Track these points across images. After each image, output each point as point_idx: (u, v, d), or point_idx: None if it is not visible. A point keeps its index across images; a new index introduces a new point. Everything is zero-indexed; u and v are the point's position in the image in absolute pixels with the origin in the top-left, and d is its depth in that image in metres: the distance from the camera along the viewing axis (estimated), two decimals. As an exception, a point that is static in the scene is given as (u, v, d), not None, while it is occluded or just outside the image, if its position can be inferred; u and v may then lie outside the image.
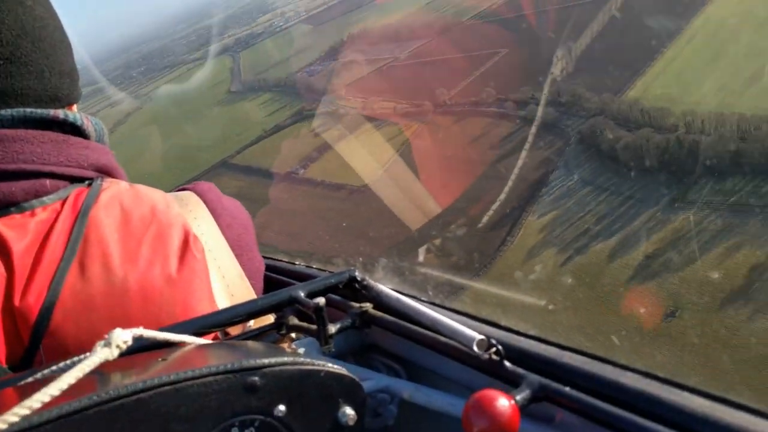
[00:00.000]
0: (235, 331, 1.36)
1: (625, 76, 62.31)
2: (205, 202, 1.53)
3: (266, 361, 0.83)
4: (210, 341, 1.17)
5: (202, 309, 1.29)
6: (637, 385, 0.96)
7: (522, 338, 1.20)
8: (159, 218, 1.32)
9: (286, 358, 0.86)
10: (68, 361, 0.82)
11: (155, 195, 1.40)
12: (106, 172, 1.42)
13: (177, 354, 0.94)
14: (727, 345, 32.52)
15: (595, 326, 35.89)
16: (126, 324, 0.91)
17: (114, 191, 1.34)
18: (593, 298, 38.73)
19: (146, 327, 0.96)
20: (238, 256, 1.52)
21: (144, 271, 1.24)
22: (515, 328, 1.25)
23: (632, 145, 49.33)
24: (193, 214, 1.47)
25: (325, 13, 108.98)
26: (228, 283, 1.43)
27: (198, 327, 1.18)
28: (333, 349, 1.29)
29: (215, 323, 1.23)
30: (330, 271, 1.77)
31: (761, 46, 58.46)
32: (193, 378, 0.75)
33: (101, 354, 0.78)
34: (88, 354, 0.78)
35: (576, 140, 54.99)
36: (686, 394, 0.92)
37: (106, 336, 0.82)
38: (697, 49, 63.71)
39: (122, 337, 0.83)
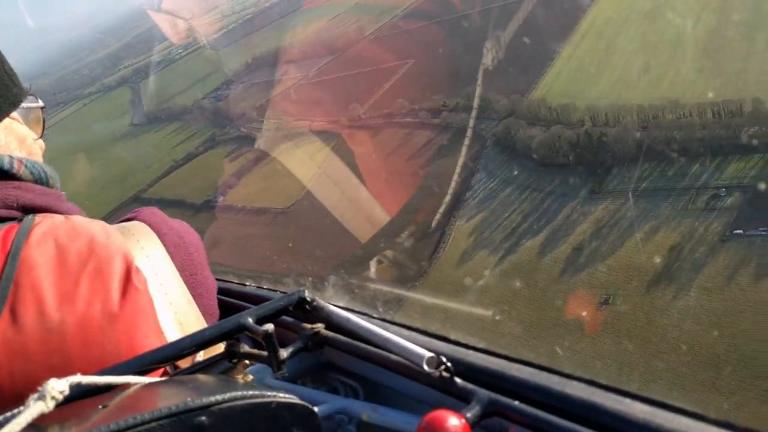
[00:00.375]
0: (185, 363, 1.30)
1: (528, 77, 64.81)
2: (150, 226, 1.47)
3: (213, 399, 0.78)
4: (157, 379, 1.11)
5: (149, 344, 1.22)
6: (582, 395, 1.01)
7: (470, 352, 1.24)
8: (98, 252, 1.24)
9: (235, 393, 0.82)
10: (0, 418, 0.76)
11: (94, 227, 1.31)
12: (43, 212, 1.35)
13: (119, 398, 0.89)
14: (658, 325, 33.96)
15: (536, 325, 36.50)
16: (67, 370, 0.88)
17: (47, 226, 1.26)
18: (529, 297, 39.44)
19: (90, 370, 0.93)
20: (190, 276, 1.47)
21: (83, 311, 1.16)
22: (464, 342, 1.28)
23: (546, 143, 51.11)
24: (138, 240, 1.41)
25: (226, 37, 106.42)
26: (176, 311, 1.37)
27: (143, 364, 1.11)
28: (287, 374, 1.27)
29: (162, 359, 1.17)
30: (281, 291, 1.83)
31: (646, 40, 62.79)
32: (135, 425, 0.70)
33: (35, 408, 0.73)
34: (21, 408, 0.73)
35: (492, 142, 56.40)
36: (629, 401, 0.96)
37: (39, 388, 0.78)
38: (589, 47, 67.39)
39: (57, 386, 0.78)
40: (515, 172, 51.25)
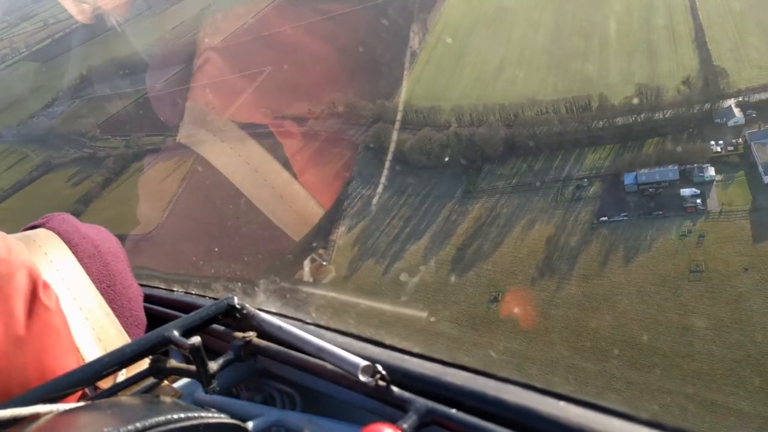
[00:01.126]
0: (106, 383, 1.21)
1: (390, 81, 65.04)
2: (59, 234, 1.39)
3: (133, 427, 0.74)
4: (72, 405, 1.00)
5: (64, 366, 1.13)
6: (517, 400, 1.03)
7: (406, 357, 1.23)
8: None
9: (158, 419, 0.78)
10: None
11: None
12: None
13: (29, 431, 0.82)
14: (547, 316, 35.05)
15: (431, 331, 36.02)
16: None
17: None
18: (421, 300, 38.94)
19: None
20: (109, 286, 1.40)
21: None
22: (399, 347, 1.27)
23: (417, 146, 51.29)
24: (45, 252, 1.32)
25: (54, 47, 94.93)
26: (93, 326, 1.29)
27: (55, 390, 1.05)
28: (217, 388, 1.23)
29: (77, 382, 1.10)
30: (211, 297, 1.74)
31: (496, 40, 66.05)
32: None
33: None
34: None
35: (363, 148, 55.55)
36: (563, 404, 0.99)
37: None
38: (444, 50, 69.51)
39: None
40: (390, 178, 50.75)
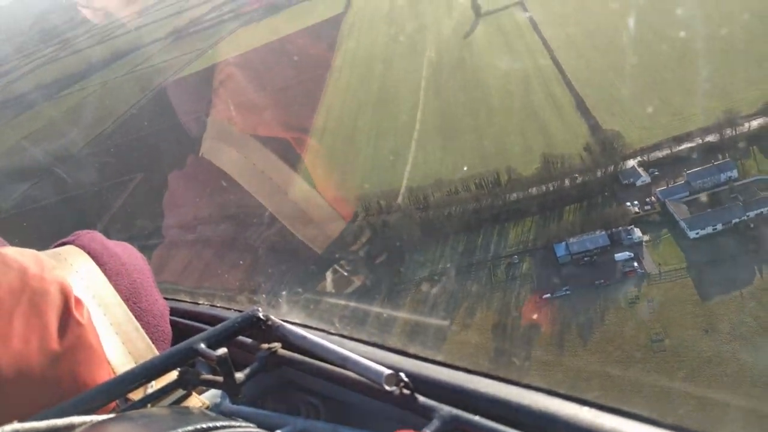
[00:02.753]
0: (137, 394, 1.25)
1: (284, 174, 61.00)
2: (89, 252, 1.43)
3: None
4: (105, 417, 1.03)
5: (96, 378, 1.17)
6: (540, 407, 1.04)
7: (430, 366, 1.25)
8: (31, 285, 1.17)
9: (188, 428, 0.80)
10: None
11: (26, 258, 1.24)
12: None
13: None
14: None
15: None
16: (6, 415, 0.84)
17: None
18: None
19: (31, 412, 0.90)
20: (136, 303, 1.43)
21: (19, 350, 1.08)
22: (423, 356, 1.29)
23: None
24: (76, 270, 1.36)
25: None
26: (124, 340, 1.33)
27: (89, 402, 1.09)
28: (244, 398, 1.26)
29: (109, 393, 1.14)
30: (236, 309, 1.78)
31: (385, 124, 65.06)
32: None
33: None
34: None
35: (267, 249, 50.06)
36: (586, 409, 1.00)
37: None
38: (333, 135, 67.27)
39: None
40: (304, 281, 45.55)
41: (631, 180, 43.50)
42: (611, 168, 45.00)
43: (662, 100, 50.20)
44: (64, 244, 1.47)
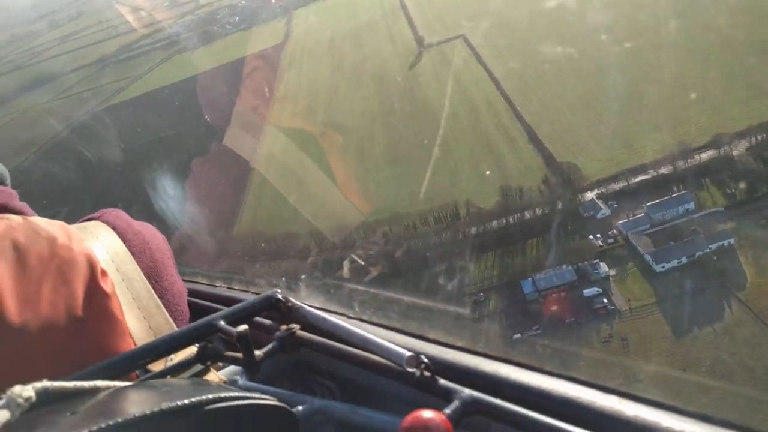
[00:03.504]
0: (156, 366, 1.27)
1: (225, 211, 57.58)
2: (114, 229, 1.45)
3: (187, 402, 0.78)
4: (127, 383, 1.06)
5: (118, 347, 1.21)
6: (560, 391, 1.05)
7: (450, 350, 1.25)
8: (60, 254, 1.19)
9: (209, 396, 0.82)
10: None
11: (55, 228, 1.27)
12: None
13: (89, 404, 0.88)
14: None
15: None
16: (32, 375, 0.86)
17: (4, 227, 1.21)
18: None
19: (56, 375, 0.91)
20: (157, 282, 1.46)
21: (47, 316, 1.12)
22: (443, 340, 1.29)
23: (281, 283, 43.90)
24: (101, 242, 1.38)
25: None
26: (145, 315, 1.35)
27: (113, 369, 1.11)
28: (262, 377, 1.30)
29: (132, 362, 1.18)
30: (254, 293, 1.78)
31: (339, 158, 62.87)
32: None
33: None
34: None
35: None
36: (605, 395, 1.02)
37: (3, 396, 0.75)
38: (278, 171, 64.34)
39: (22, 393, 0.76)
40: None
41: (592, 213, 43.12)
42: (570, 201, 44.55)
43: (614, 132, 50.76)
44: (90, 219, 1.48)
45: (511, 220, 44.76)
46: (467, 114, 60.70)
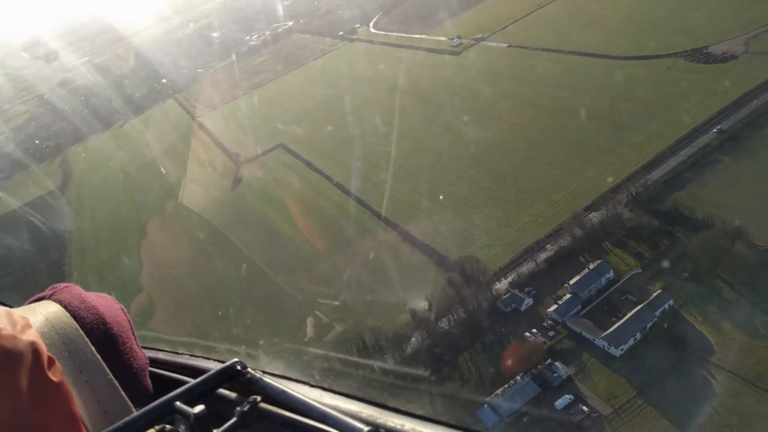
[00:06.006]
0: None
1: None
2: (66, 307, 1.38)
3: None
4: None
5: None
6: None
7: (409, 419, 1.23)
8: (3, 347, 1.13)
9: None
10: None
11: (1, 318, 1.20)
12: None
13: None
14: None
15: None
16: None
17: None
18: None
19: None
20: (115, 362, 1.38)
21: None
22: (403, 409, 1.28)
23: None
24: (51, 323, 1.31)
25: None
26: (99, 398, 1.29)
27: None
28: None
29: None
30: (216, 360, 1.73)
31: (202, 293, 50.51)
32: None
33: None
34: None
35: None
36: None
37: None
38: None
39: None
40: None
41: (513, 306, 38.26)
42: (484, 298, 39.32)
43: (487, 214, 47.87)
44: (41, 298, 1.43)
45: (428, 338, 37.73)
46: (329, 223, 53.70)
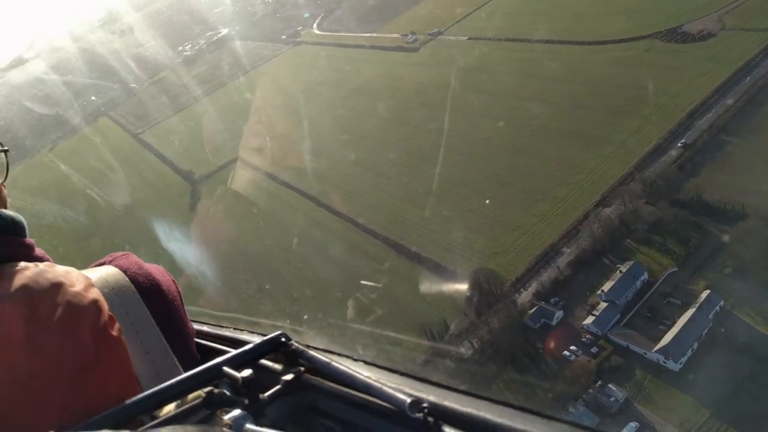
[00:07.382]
0: (163, 412, 1.28)
1: None
2: (125, 272, 1.47)
3: None
4: None
5: (125, 395, 1.20)
6: None
7: (453, 394, 1.24)
8: (69, 301, 1.23)
9: None
10: None
11: (66, 275, 1.30)
12: (15, 259, 1.32)
13: None
14: None
15: None
16: (37, 425, 0.93)
17: (16, 277, 1.23)
18: None
19: (63, 423, 0.97)
20: (167, 327, 1.47)
21: (54, 364, 1.14)
22: (445, 384, 1.28)
23: None
24: (112, 287, 1.41)
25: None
26: (153, 360, 1.38)
27: (118, 417, 1.12)
28: (267, 421, 1.28)
29: (137, 410, 1.18)
30: (260, 333, 1.76)
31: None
32: None
33: None
34: None
35: None
36: None
37: None
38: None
39: None
40: None
41: (543, 321, 33.97)
42: (508, 313, 34.83)
43: (488, 218, 43.59)
44: (101, 264, 1.50)
45: (453, 365, 32.92)
46: (314, 243, 48.00)
